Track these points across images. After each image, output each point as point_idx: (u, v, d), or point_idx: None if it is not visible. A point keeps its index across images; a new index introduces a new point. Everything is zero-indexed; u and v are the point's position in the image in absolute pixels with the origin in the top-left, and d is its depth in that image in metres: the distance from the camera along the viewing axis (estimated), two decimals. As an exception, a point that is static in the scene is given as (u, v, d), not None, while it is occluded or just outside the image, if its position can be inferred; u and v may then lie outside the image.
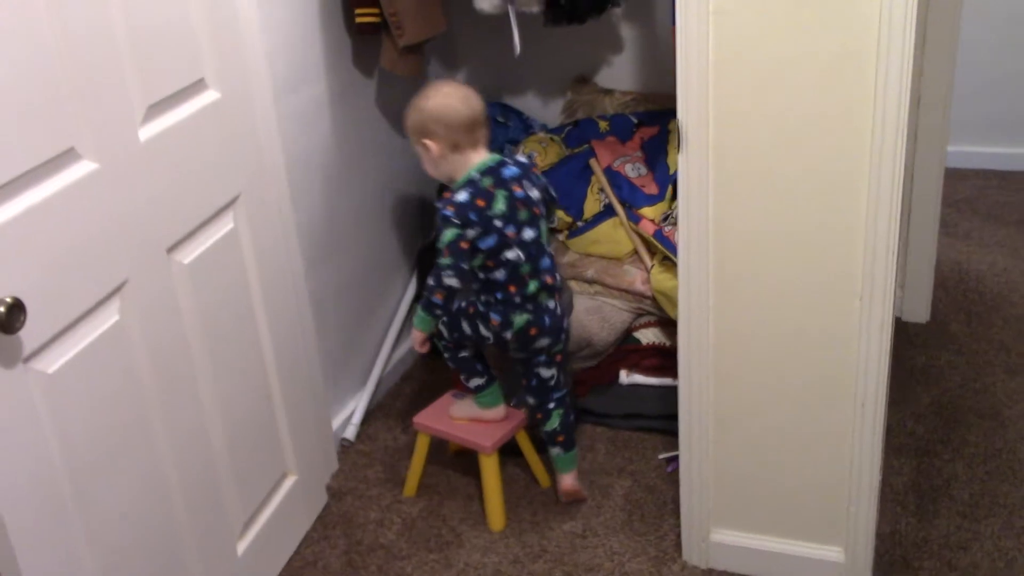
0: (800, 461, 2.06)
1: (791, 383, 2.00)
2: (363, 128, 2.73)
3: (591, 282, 2.77)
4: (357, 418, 2.78)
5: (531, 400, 2.42)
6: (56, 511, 1.59)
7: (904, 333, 3.04)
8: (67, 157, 1.58)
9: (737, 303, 1.96)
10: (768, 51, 1.74)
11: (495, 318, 2.24)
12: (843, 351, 1.93)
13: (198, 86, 1.93)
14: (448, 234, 2.14)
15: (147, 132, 1.77)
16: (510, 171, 2.21)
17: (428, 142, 2.17)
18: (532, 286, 2.23)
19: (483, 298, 2.24)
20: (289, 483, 2.33)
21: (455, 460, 2.61)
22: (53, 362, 1.57)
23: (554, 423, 2.41)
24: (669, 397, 2.53)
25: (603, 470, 2.56)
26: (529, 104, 3.28)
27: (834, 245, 1.85)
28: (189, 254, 1.91)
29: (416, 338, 2.32)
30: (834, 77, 1.73)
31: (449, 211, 2.14)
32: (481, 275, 2.21)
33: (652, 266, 2.69)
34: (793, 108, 1.77)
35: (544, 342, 2.30)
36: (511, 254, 2.18)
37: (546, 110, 3.27)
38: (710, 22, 1.75)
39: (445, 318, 2.30)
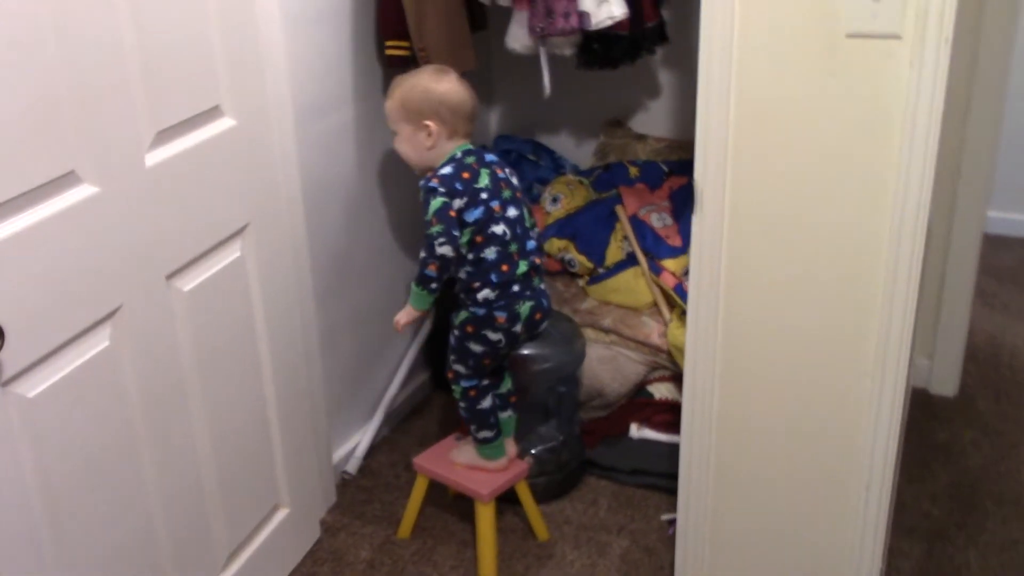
0: (801, 538, 1.99)
1: (795, 458, 1.93)
2: (388, 158, 2.70)
3: (607, 331, 2.71)
4: (360, 452, 2.74)
5: None
6: (27, 539, 1.56)
7: (929, 406, 2.94)
8: (66, 180, 1.57)
9: (744, 373, 1.89)
10: (792, 116, 1.69)
11: (500, 315, 2.19)
12: (850, 430, 1.85)
13: (213, 113, 1.91)
14: (435, 203, 2.11)
15: (154, 158, 1.76)
16: (490, 156, 2.22)
17: (431, 124, 2.16)
18: (523, 266, 2.20)
19: (480, 296, 2.17)
20: (280, 516, 2.29)
21: (454, 504, 2.56)
22: (35, 386, 1.55)
23: (508, 384, 2.40)
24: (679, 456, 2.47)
25: (603, 526, 2.49)
26: (562, 144, 3.24)
27: (848, 322, 1.78)
28: (190, 281, 1.89)
29: (404, 316, 2.21)
30: (858, 145, 1.67)
31: (434, 183, 2.12)
32: (471, 255, 2.16)
33: (670, 320, 2.62)
34: (814, 176, 1.71)
35: (545, 324, 2.31)
36: (498, 228, 2.15)
37: (579, 151, 3.23)
38: (732, 81, 1.70)
39: (457, 347, 2.25)
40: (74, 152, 1.57)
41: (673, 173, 2.92)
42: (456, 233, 2.11)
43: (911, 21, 1.54)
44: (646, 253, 2.72)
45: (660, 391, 2.69)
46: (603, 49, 2.50)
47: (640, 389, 2.71)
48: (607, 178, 2.97)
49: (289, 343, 2.26)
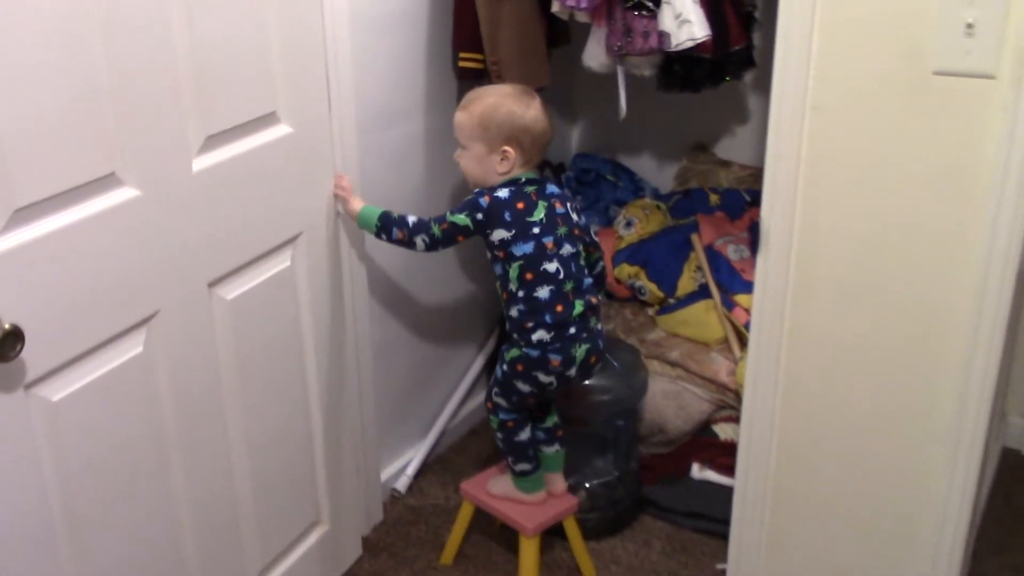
0: (859, 609, 1.85)
1: (857, 518, 1.79)
2: (458, 172, 2.63)
3: (674, 365, 2.60)
4: (411, 470, 2.68)
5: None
6: (44, 546, 1.52)
7: (1021, 468, 2.73)
8: (106, 182, 1.54)
9: (804, 423, 1.76)
10: (869, 156, 1.56)
11: (555, 358, 2.07)
12: (918, 499, 1.71)
13: (268, 119, 1.87)
14: (462, 217, 2.03)
15: (202, 163, 1.72)
16: (552, 188, 2.11)
17: (510, 150, 2.05)
18: (579, 306, 2.06)
19: (534, 338, 2.05)
20: (318, 533, 2.24)
21: (501, 533, 2.47)
22: (60, 390, 1.51)
23: (554, 418, 2.28)
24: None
25: (653, 570, 2.37)
26: (644, 165, 3.13)
27: (919, 382, 1.64)
28: (233, 290, 1.85)
29: (350, 203, 2.11)
30: (942, 192, 1.53)
31: (484, 200, 2.02)
32: (521, 293, 2.04)
33: (740, 358, 2.49)
34: (892, 222, 1.58)
35: (599, 366, 2.17)
36: (551, 266, 2.03)
37: (660, 174, 3.11)
38: (806, 117, 1.58)
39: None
40: (116, 154, 1.54)
41: (755, 203, 2.79)
42: (441, 248, 2.09)
43: (1008, 60, 1.40)
44: (719, 286, 2.59)
45: (726, 432, 2.56)
46: (684, 71, 2.39)
47: (705, 428, 2.59)
48: (686, 204, 2.85)
49: (337, 356, 2.21)
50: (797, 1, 1.50)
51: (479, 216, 2.02)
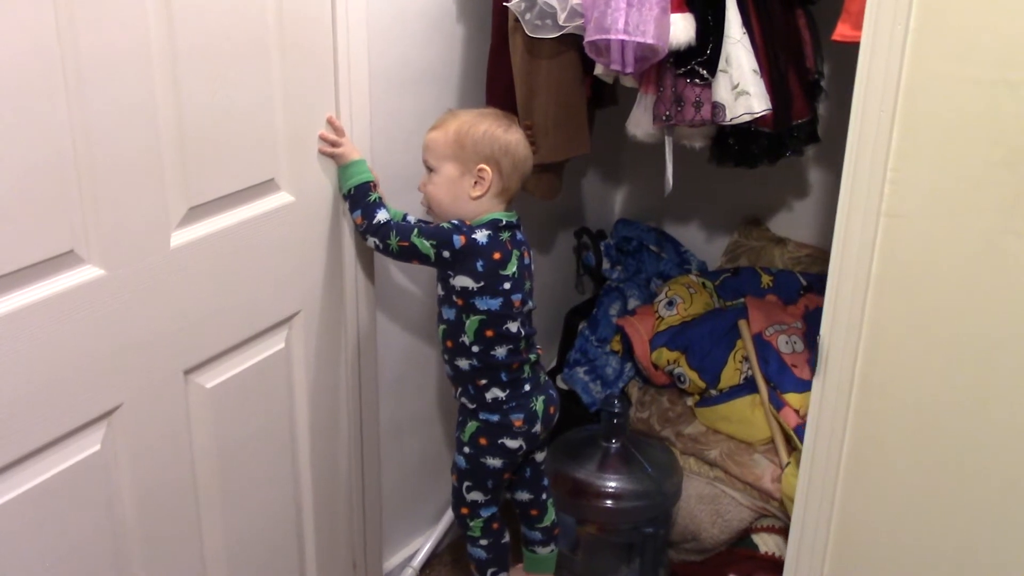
0: None
1: None
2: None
3: (712, 464, 2.34)
4: (418, 561, 2.44)
5: (527, 495, 2.11)
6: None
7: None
8: (62, 261, 1.34)
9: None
10: (955, 278, 1.31)
11: (517, 418, 1.92)
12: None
13: (265, 187, 1.67)
14: (424, 244, 1.79)
15: (183, 237, 1.52)
16: (521, 235, 1.91)
17: (488, 170, 1.82)
18: (533, 359, 1.95)
19: (489, 397, 1.91)
20: (305, 639, 2.02)
21: (509, 643, 2.22)
22: (-4, 497, 1.32)
23: (551, 515, 2.14)
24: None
25: None
26: (692, 237, 2.89)
27: (1009, 556, 1.37)
28: (214, 377, 1.64)
29: (343, 149, 1.81)
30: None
31: (458, 240, 1.79)
32: (476, 348, 1.87)
33: (787, 464, 2.23)
34: (975, 359, 1.32)
35: (556, 417, 2.03)
36: (513, 326, 1.87)
37: (709, 247, 2.87)
38: (879, 226, 1.33)
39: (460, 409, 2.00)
40: (76, 229, 1.35)
41: (812, 289, 2.54)
42: (391, 258, 1.87)
43: None
44: (768, 381, 2.34)
45: (767, 544, 2.29)
46: (739, 145, 2.15)
47: (744, 537, 2.33)
48: (734, 284, 2.61)
49: (334, 445, 1.99)
50: (875, 90, 1.26)
51: (445, 254, 1.80)
